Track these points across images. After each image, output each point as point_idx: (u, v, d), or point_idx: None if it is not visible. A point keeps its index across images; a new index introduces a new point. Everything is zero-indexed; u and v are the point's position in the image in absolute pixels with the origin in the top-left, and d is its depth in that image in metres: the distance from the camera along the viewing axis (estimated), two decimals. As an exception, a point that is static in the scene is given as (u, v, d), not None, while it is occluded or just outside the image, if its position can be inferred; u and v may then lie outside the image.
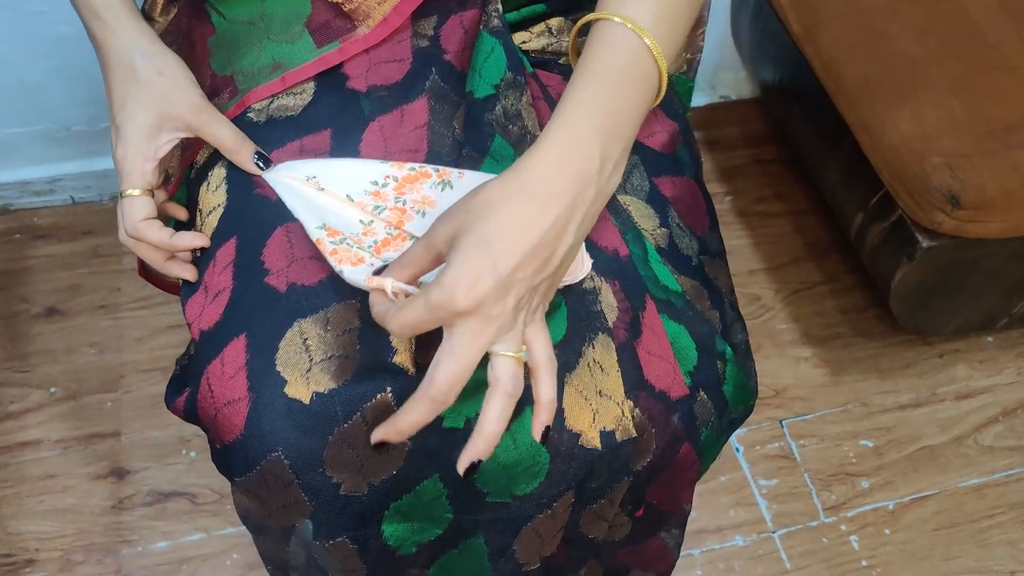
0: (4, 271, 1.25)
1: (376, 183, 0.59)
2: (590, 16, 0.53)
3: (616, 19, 0.51)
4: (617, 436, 0.57)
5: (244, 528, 0.69)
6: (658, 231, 0.65)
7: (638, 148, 0.68)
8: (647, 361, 0.59)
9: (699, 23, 0.79)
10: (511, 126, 0.61)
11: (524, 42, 0.70)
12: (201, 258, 0.61)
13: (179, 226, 0.67)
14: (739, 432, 1.17)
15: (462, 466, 0.49)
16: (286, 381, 0.53)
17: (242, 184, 0.62)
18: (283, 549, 0.62)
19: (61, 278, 1.25)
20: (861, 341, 1.27)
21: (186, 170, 0.67)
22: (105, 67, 0.61)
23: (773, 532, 1.10)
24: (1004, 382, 1.24)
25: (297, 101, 0.64)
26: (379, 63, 0.65)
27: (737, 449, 1.16)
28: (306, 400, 0.53)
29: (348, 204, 0.58)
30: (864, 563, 1.08)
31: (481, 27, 0.66)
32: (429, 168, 0.59)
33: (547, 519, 0.59)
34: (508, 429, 0.55)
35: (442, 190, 0.58)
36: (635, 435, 0.58)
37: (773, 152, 1.48)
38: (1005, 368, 1.26)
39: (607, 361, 0.58)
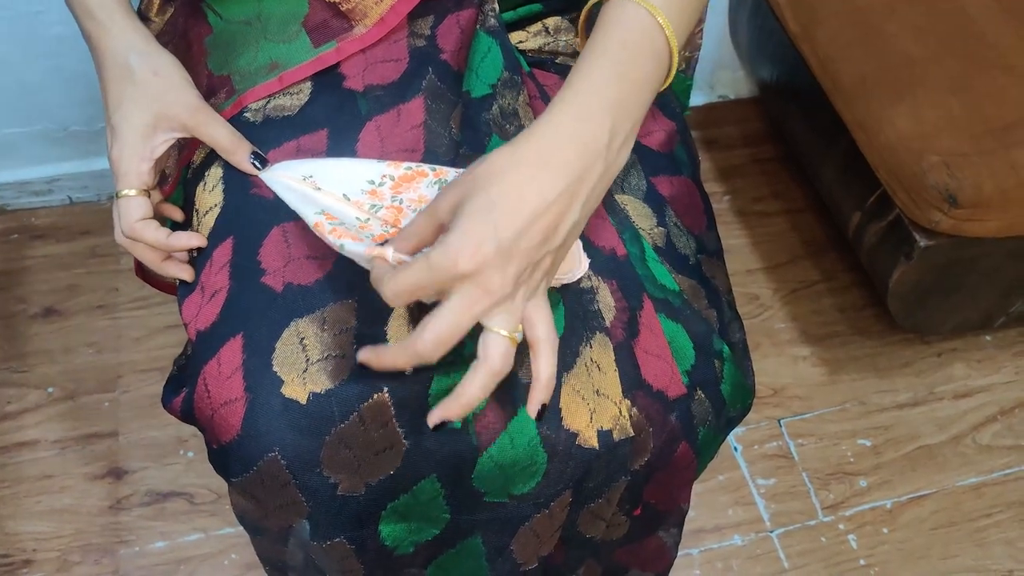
0: (2, 271, 1.25)
1: (373, 182, 0.59)
2: None
3: None
4: (615, 435, 0.57)
5: (242, 528, 0.69)
6: (655, 230, 0.65)
7: (635, 147, 0.68)
8: (644, 360, 0.59)
9: (697, 22, 0.79)
10: (508, 126, 0.61)
11: (521, 41, 0.70)
12: (198, 258, 0.61)
13: (175, 227, 0.67)
14: (737, 431, 1.17)
15: (432, 420, 0.49)
16: (283, 381, 0.53)
17: (239, 184, 0.62)
18: (281, 549, 0.62)
19: (59, 278, 1.25)
20: (859, 340, 1.27)
21: (183, 170, 0.67)
22: (100, 67, 0.61)
23: (771, 531, 1.10)
24: (1002, 381, 1.24)
25: (294, 101, 0.64)
26: (376, 63, 0.65)
27: (735, 448, 1.16)
28: (303, 400, 0.53)
29: (345, 203, 0.58)
30: (862, 562, 1.08)
31: (478, 27, 0.66)
32: (426, 167, 0.59)
33: (545, 519, 0.59)
34: (505, 429, 0.55)
35: (439, 189, 0.58)
36: (632, 434, 0.58)
37: (771, 151, 1.48)
38: (1003, 367, 1.26)
39: (604, 360, 0.58)
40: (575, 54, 0.70)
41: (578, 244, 0.59)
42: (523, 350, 0.56)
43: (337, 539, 0.57)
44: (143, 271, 0.73)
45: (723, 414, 0.63)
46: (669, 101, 0.73)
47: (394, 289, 0.46)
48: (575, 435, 0.56)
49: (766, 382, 1.22)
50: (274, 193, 0.61)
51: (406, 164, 0.59)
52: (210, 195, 0.62)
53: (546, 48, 0.70)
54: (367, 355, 0.49)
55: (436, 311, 0.46)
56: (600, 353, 0.58)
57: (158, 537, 1.04)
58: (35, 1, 1.08)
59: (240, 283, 0.57)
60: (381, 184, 0.59)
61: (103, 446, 1.11)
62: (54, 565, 1.02)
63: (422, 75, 0.65)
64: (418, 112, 0.63)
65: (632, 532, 0.67)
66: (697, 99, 1.50)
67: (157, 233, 0.60)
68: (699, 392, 0.61)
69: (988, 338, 1.28)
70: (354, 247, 0.52)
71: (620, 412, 0.57)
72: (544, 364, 0.49)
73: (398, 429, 0.54)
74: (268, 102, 0.64)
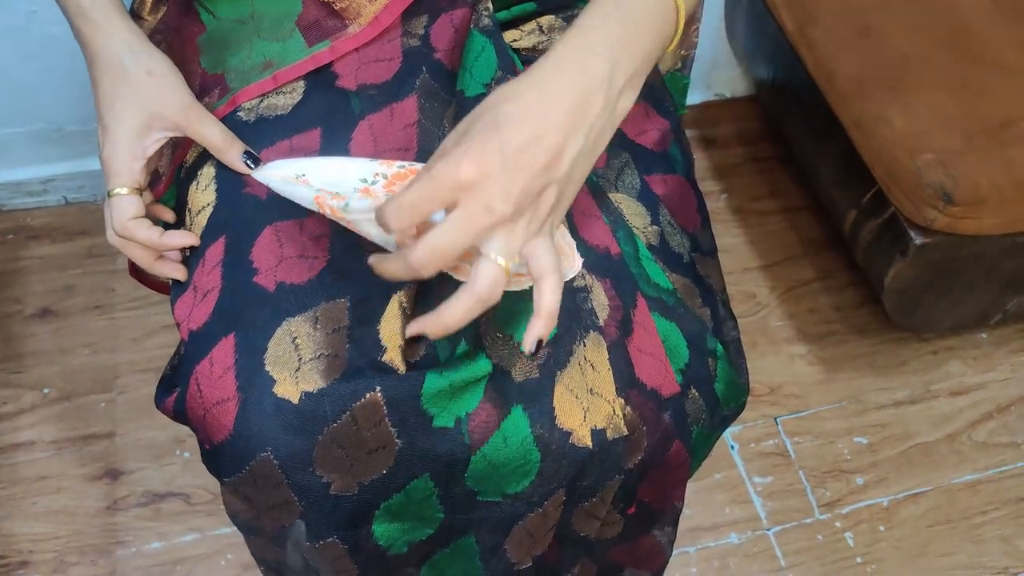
0: (-2, 272, 1.25)
1: (366, 180, 0.59)
2: None
3: None
4: (608, 434, 0.57)
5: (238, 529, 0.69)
6: (649, 229, 0.65)
7: (629, 146, 0.68)
8: (638, 359, 0.59)
9: (693, 19, 0.79)
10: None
11: (515, 40, 0.69)
12: (190, 258, 0.61)
13: (167, 228, 0.67)
14: (734, 429, 1.17)
15: (409, 331, 0.49)
16: (275, 380, 0.53)
17: (231, 183, 0.62)
18: (275, 550, 0.62)
19: (55, 279, 1.25)
20: (856, 338, 1.27)
21: (176, 170, 0.67)
22: (93, 66, 0.61)
23: (768, 529, 1.10)
24: (998, 379, 1.24)
25: (287, 100, 0.64)
26: (369, 62, 0.65)
27: (732, 446, 1.16)
28: (295, 400, 0.53)
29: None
30: (859, 560, 1.08)
31: (472, 26, 0.66)
32: (418, 166, 0.59)
33: (538, 518, 0.59)
34: (498, 428, 0.55)
35: None
36: (626, 433, 0.58)
37: (768, 150, 1.48)
38: (999, 365, 1.26)
39: (598, 359, 0.58)
40: None
41: (572, 243, 0.59)
42: (516, 348, 0.56)
43: (330, 539, 0.57)
44: (137, 271, 0.73)
45: (717, 413, 0.63)
46: (663, 99, 0.73)
47: (396, 207, 0.45)
48: (569, 434, 0.56)
49: (763, 380, 1.22)
50: (267, 192, 0.61)
51: (399, 163, 0.59)
52: (203, 194, 0.62)
53: (540, 47, 0.70)
54: (373, 259, 0.49)
55: (432, 229, 0.45)
56: (594, 352, 0.58)
57: (155, 538, 1.04)
58: (29, 1, 1.07)
59: (232, 282, 0.57)
60: (374, 182, 0.59)
61: (99, 447, 1.10)
62: (51, 566, 1.02)
63: (416, 74, 0.65)
64: (411, 111, 0.63)
65: (626, 531, 0.67)
66: (694, 98, 1.50)
67: (150, 232, 0.60)
68: (693, 391, 0.61)
69: (984, 336, 1.28)
70: (361, 203, 0.51)
71: (614, 411, 0.57)
72: (547, 296, 0.48)
73: (391, 428, 0.54)
74: (261, 101, 0.64)
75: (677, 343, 0.61)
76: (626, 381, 0.58)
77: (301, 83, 0.64)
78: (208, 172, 0.63)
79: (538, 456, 0.56)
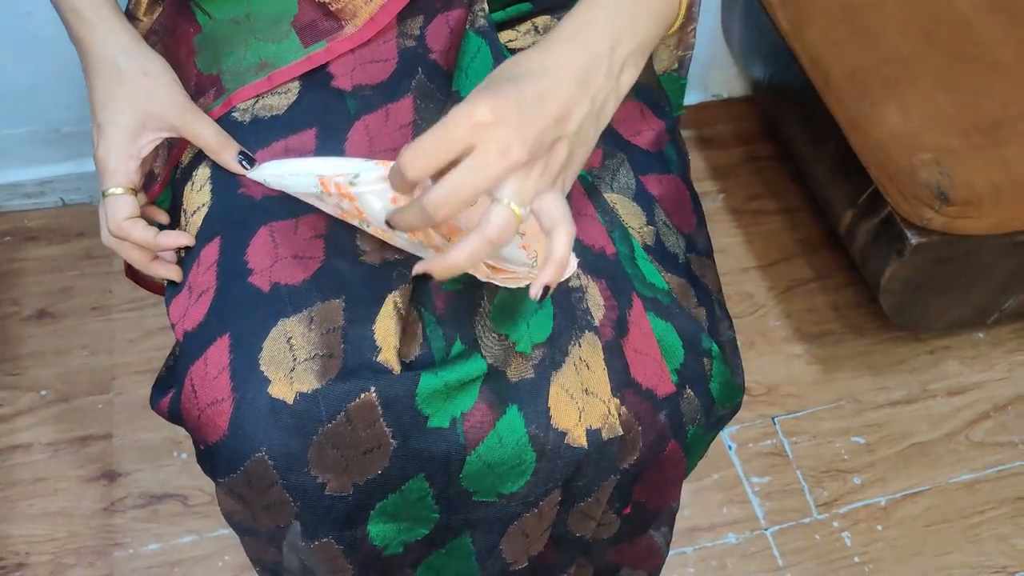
0: (-6, 274, 1.25)
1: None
2: None
3: None
4: (603, 434, 0.57)
5: (235, 529, 0.69)
6: (645, 229, 0.65)
7: (624, 146, 0.68)
8: (634, 359, 0.59)
9: (689, 20, 0.79)
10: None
11: (511, 41, 0.69)
12: (185, 258, 0.61)
13: (162, 229, 0.67)
14: (731, 429, 1.17)
15: (415, 270, 0.49)
16: (270, 381, 0.53)
17: (226, 184, 0.62)
18: (271, 550, 0.62)
19: (52, 280, 1.25)
20: (853, 338, 1.27)
21: (171, 170, 0.67)
22: (88, 66, 0.61)
23: (766, 529, 1.10)
24: (995, 378, 1.24)
25: (282, 100, 0.64)
26: (364, 63, 0.65)
27: (729, 446, 1.16)
28: (290, 400, 0.53)
29: (321, 202, 0.58)
30: (856, 559, 1.08)
31: (467, 26, 0.66)
32: None
33: (534, 518, 0.59)
34: (494, 428, 0.55)
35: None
36: (622, 433, 0.58)
37: (765, 150, 1.48)
38: (996, 364, 1.26)
39: (593, 359, 0.58)
40: None
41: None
42: (511, 351, 0.56)
43: (325, 539, 0.57)
44: (132, 272, 0.73)
45: (712, 412, 0.63)
46: (659, 100, 0.73)
47: (412, 152, 0.46)
48: (564, 434, 0.56)
49: (760, 380, 1.22)
50: (262, 193, 0.61)
51: (392, 162, 0.59)
52: (198, 195, 0.62)
53: (536, 47, 0.70)
54: (389, 215, 0.49)
55: (448, 173, 0.46)
56: (589, 352, 0.58)
57: (152, 539, 1.04)
58: (25, 2, 1.07)
59: (227, 283, 0.57)
60: None
61: (97, 448, 1.10)
62: (47, 568, 1.02)
63: (411, 75, 0.65)
64: (407, 112, 0.63)
65: (623, 531, 0.67)
66: (691, 98, 1.50)
67: (145, 232, 0.60)
68: (688, 390, 0.61)
69: (981, 335, 1.29)
70: (371, 172, 0.51)
71: (609, 411, 0.57)
72: (559, 244, 0.48)
73: (385, 429, 0.54)
74: (256, 101, 0.64)
75: (673, 343, 0.61)
76: (621, 381, 0.58)
77: (296, 83, 0.64)
78: (203, 173, 0.63)
79: (533, 456, 0.56)
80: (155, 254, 0.62)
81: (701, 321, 0.64)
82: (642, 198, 0.66)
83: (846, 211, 1.11)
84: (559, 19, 0.70)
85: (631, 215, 0.65)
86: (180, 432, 1.11)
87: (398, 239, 0.56)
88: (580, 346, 0.58)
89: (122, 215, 0.59)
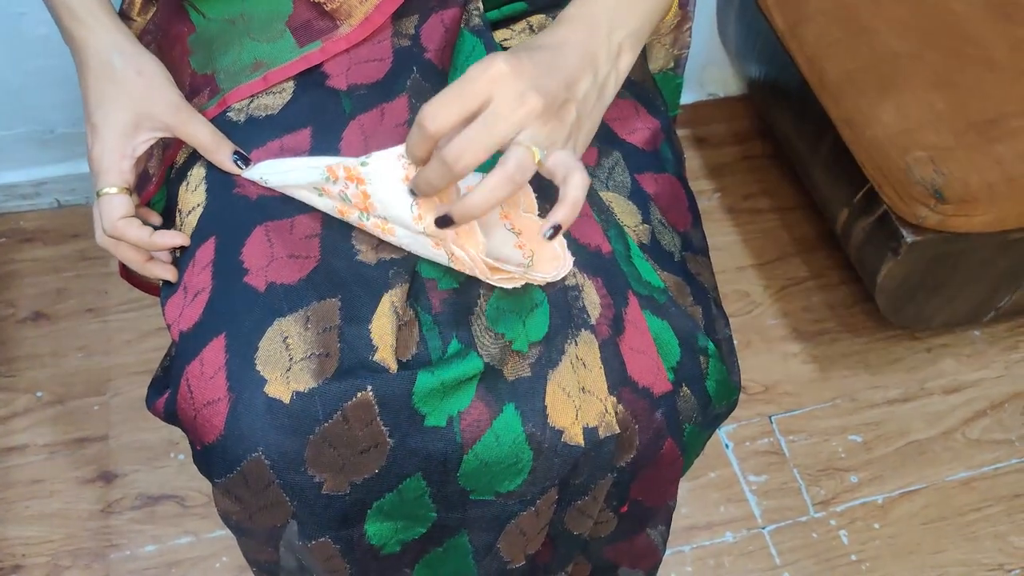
0: (-10, 275, 1.25)
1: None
2: None
3: None
4: (600, 432, 0.57)
5: (233, 530, 0.69)
6: (640, 227, 0.65)
7: (620, 144, 0.68)
8: (630, 357, 0.59)
9: (685, 19, 0.80)
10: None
11: (505, 40, 0.70)
12: (181, 258, 0.61)
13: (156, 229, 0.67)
14: (728, 428, 1.18)
15: (437, 214, 0.50)
16: (266, 380, 0.53)
17: (221, 184, 0.62)
18: (268, 551, 0.62)
19: (47, 282, 1.25)
20: (849, 336, 1.27)
21: (166, 170, 0.67)
22: (82, 66, 0.61)
23: (763, 528, 1.10)
24: (991, 376, 1.25)
25: (277, 100, 0.64)
26: (360, 62, 0.65)
27: (727, 445, 1.16)
28: (286, 399, 0.53)
29: (319, 197, 0.58)
30: (853, 557, 1.08)
31: (462, 26, 0.66)
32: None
33: (531, 516, 0.59)
34: (490, 427, 0.55)
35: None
36: (618, 431, 0.58)
37: (760, 148, 1.48)
38: (992, 362, 1.26)
39: (590, 358, 0.58)
40: None
41: (562, 242, 0.59)
42: (508, 350, 0.56)
43: (322, 539, 0.57)
44: (127, 272, 0.73)
45: (709, 411, 0.63)
46: (654, 99, 0.73)
47: (432, 105, 0.48)
48: (560, 432, 0.56)
49: (757, 379, 1.22)
50: (257, 193, 0.61)
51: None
52: (193, 195, 0.62)
53: (531, 46, 0.70)
54: (410, 182, 0.51)
55: (468, 126, 0.48)
56: (586, 350, 0.58)
57: (149, 541, 1.04)
58: (19, 3, 1.07)
59: (223, 283, 0.57)
60: None
61: (93, 450, 1.10)
62: (44, 570, 1.02)
63: (406, 74, 0.65)
64: (402, 111, 0.63)
65: (620, 529, 0.67)
66: (686, 97, 1.50)
67: (140, 232, 0.60)
68: (684, 389, 0.61)
69: (977, 333, 1.29)
70: (384, 152, 0.53)
71: (606, 409, 0.57)
72: (573, 186, 0.50)
73: (382, 428, 0.54)
74: (251, 101, 0.64)
75: (669, 341, 0.61)
76: (618, 379, 0.58)
77: (291, 83, 0.64)
78: (198, 173, 0.63)
79: (530, 454, 0.56)
80: (150, 254, 0.62)
81: (697, 319, 0.64)
82: (637, 196, 0.66)
83: (842, 210, 1.12)
84: (554, 19, 0.71)
85: (627, 213, 0.65)
86: (177, 433, 1.11)
87: (398, 230, 0.56)
88: (576, 344, 0.58)
89: (117, 214, 0.59)
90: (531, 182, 0.59)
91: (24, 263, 1.26)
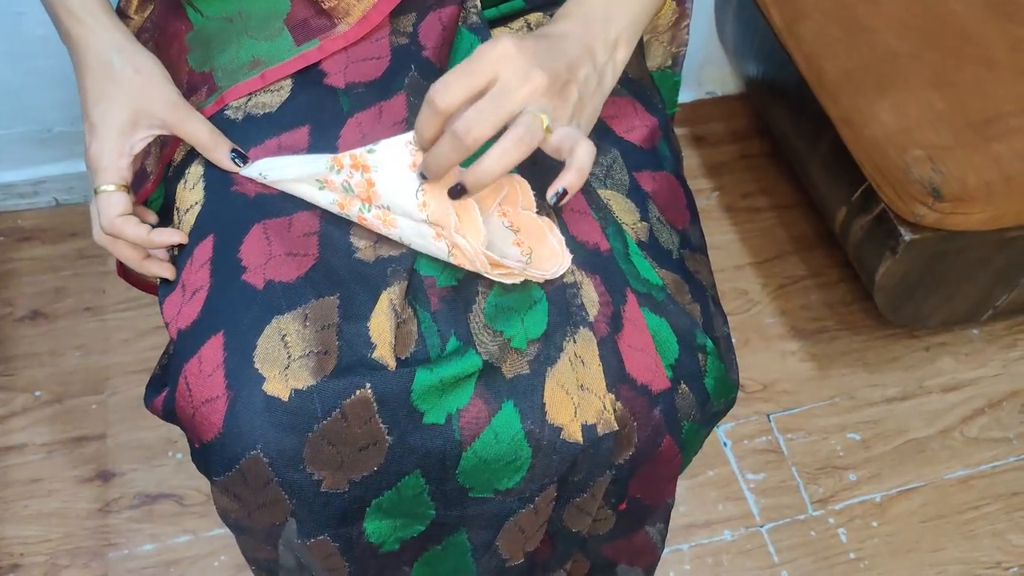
0: (-12, 274, 1.25)
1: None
2: None
3: None
4: (599, 430, 0.57)
5: (231, 529, 0.69)
6: (638, 225, 0.65)
7: (617, 143, 0.68)
8: (628, 355, 0.59)
9: (683, 16, 0.80)
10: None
11: (503, 38, 0.69)
12: (179, 256, 0.61)
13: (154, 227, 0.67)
14: (727, 426, 1.18)
15: (451, 183, 0.51)
16: (264, 378, 0.53)
17: (219, 181, 0.62)
18: (267, 549, 0.62)
19: (45, 281, 1.25)
20: (847, 335, 1.27)
21: (164, 168, 0.67)
22: (80, 64, 0.60)
23: (761, 526, 1.10)
24: (989, 374, 1.25)
25: (274, 98, 0.64)
26: (357, 60, 0.65)
27: (725, 444, 1.16)
28: (285, 397, 0.53)
29: (319, 191, 0.58)
30: (852, 555, 1.08)
31: (460, 23, 0.66)
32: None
33: (530, 514, 0.59)
34: (489, 424, 0.55)
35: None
36: (617, 428, 0.58)
37: (758, 147, 1.48)
38: (990, 360, 1.26)
39: (588, 355, 0.58)
40: None
41: (561, 240, 0.59)
42: (506, 347, 0.56)
43: (321, 537, 0.57)
44: (125, 271, 0.73)
45: (707, 408, 0.63)
46: (651, 97, 0.73)
47: (441, 83, 0.49)
48: (559, 429, 0.56)
49: (755, 377, 1.22)
50: (255, 191, 0.61)
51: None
52: (190, 193, 0.62)
53: (529, 44, 0.70)
54: (421, 163, 0.52)
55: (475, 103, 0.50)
56: (584, 348, 0.58)
57: (147, 539, 1.04)
58: (17, 2, 1.07)
59: (221, 281, 0.57)
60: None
61: (91, 449, 1.10)
62: (42, 569, 1.02)
63: (404, 72, 0.65)
64: (400, 109, 0.63)
65: (618, 527, 0.67)
66: (684, 96, 1.50)
67: (138, 229, 0.60)
68: (683, 386, 0.61)
69: (976, 332, 1.29)
70: (391, 139, 0.54)
71: (604, 406, 0.57)
72: (579, 154, 0.51)
73: (381, 425, 0.54)
74: (249, 99, 0.64)
75: (667, 339, 0.61)
76: (616, 377, 0.58)
77: (289, 81, 0.64)
78: (196, 171, 0.63)
79: (529, 452, 0.56)
80: (147, 252, 0.62)
81: (695, 317, 0.64)
82: (635, 194, 0.66)
83: (840, 208, 1.12)
84: (551, 16, 0.71)
85: (625, 211, 0.65)
86: (175, 432, 1.11)
87: (399, 221, 0.56)
88: (575, 342, 0.58)
89: (115, 212, 0.59)
90: (529, 181, 0.59)
91: (22, 262, 1.26)
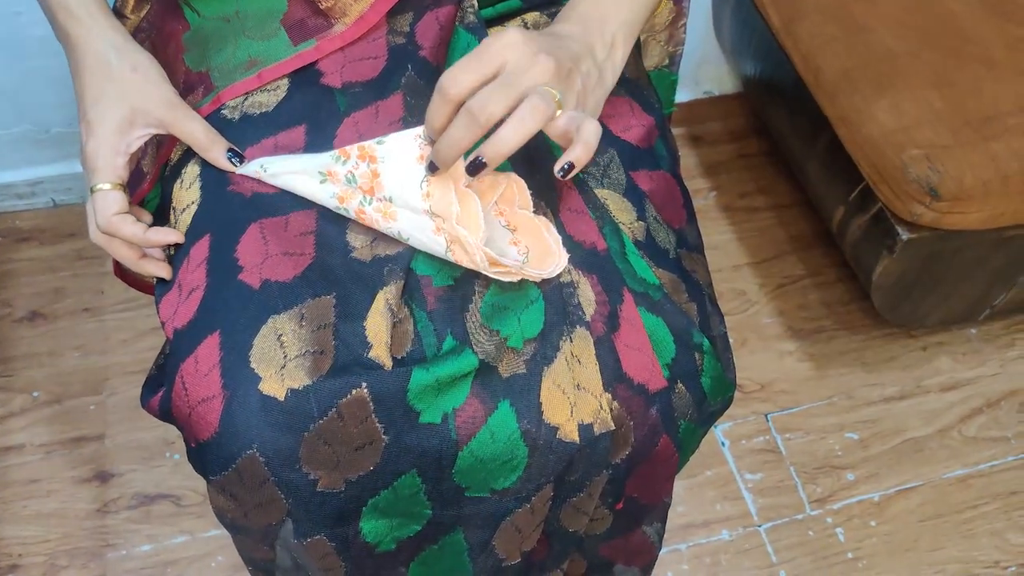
0: (-14, 275, 1.25)
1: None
2: None
3: None
4: (595, 429, 0.57)
5: (229, 529, 0.69)
6: (635, 224, 0.65)
7: (614, 142, 0.68)
8: (625, 354, 0.59)
9: (680, 15, 0.80)
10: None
11: (500, 37, 0.70)
12: (175, 256, 0.61)
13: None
14: (725, 426, 1.18)
15: (468, 159, 0.52)
16: (260, 378, 0.53)
17: (216, 181, 0.62)
18: (263, 549, 0.61)
19: (44, 281, 1.25)
20: (845, 334, 1.27)
21: (160, 168, 0.67)
22: (77, 63, 0.60)
23: (759, 526, 1.10)
24: (987, 373, 1.25)
25: (271, 98, 0.64)
26: (354, 60, 0.65)
27: (723, 443, 1.16)
28: (281, 397, 0.53)
29: (320, 184, 0.58)
30: (850, 555, 1.08)
31: (457, 23, 0.66)
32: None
33: (526, 513, 0.59)
34: (486, 424, 0.55)
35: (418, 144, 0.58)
36: (613, 428, 0.58)
37: (756, 147, 1.48)
38: (988, 360, 1.26)
39: (585, 354, 0.58)
40: None
41: (558, 239, 0.59)
42: (503, 346, 0.56)
43: (317, 536, 0.57)
44: (122, 271, 0.73)
45: (704, 407, 0.63)
46: (648, 96, 0.73)
47: (451, 72, 0.51)
48: (555, 429, 0.56)
49: (753, 377, 1.22)
50: (252, 190, 0.61)
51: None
52: (187, 192, 0.62)
53: (526, 44, 0.70)
54: (434, 150, 0.53)
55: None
56: (580, 347, 0.58)
57: (145, 540, 1.04)
58: (15, 3, 1.07)
59: (217, 280, 0.57)
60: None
61: (89, 449, 1.10)
62: (41, 570, 1.02)
63: (401, 72, 0.65)
64: (397, 108, 0.63)
65: (615, 526, 0.67)
66: (682, 95, 1.50)
67: (135, 227, 0.60)
68: (679, 385, 0.61)
69: (973, 331, 1.29)
70: (401, 133, 0.55)
71: (601, 406, 0.57)
72: (586, 131, 0.52)
73: (377, 425, 0.54)
74: (246, 99, 0.64)
75: (664, 338, 0.61)
76: (613, 376, 0.58)
77: (285, 81, 0.64)
78: (192, 170, 0.63)
79: (525, 451, 0.56)
80: (144, 252, 0.62)
81: (692, 316, 0.64)
82: (632, 194, 0.66)
83: (837, 207, 1.12)
84: (548, 16, 0.71)
85: (621, 211, 0.65)
86: (173, 433, 1.11)
87: (400, 213, 0.56)
88: (571, 341, 0.58)
89: (112, 210, 0.59)
90: (527, 181, 0.59)
91: (20, 263, 1.26)
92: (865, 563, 1.08)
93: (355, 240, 0.59)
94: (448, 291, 0.58)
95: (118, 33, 0.61)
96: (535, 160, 0.62)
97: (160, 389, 0.58)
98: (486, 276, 0.58)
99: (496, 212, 0.59)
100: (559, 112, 0.52)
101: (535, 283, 0.59)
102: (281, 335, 0.54)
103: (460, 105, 0.51)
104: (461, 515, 0.59)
